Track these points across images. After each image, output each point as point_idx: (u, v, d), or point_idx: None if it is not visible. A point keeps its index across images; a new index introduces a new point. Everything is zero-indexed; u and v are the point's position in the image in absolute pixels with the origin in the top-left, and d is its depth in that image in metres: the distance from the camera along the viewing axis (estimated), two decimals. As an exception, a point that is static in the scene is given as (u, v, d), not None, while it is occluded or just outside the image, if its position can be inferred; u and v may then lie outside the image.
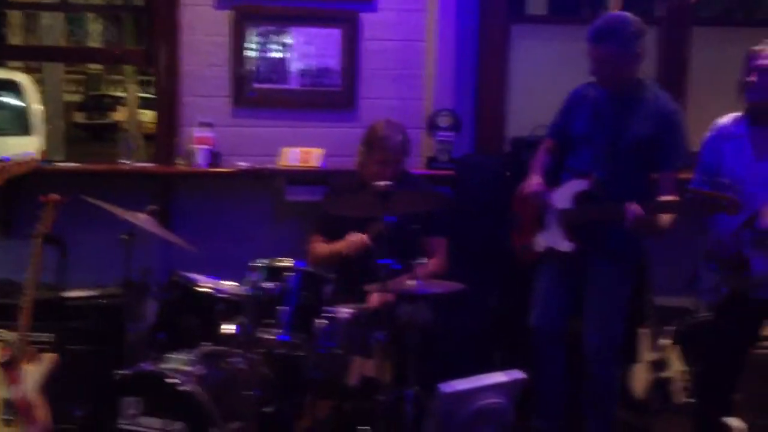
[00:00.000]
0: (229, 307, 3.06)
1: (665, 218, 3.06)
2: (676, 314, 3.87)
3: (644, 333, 3.84)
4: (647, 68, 4.22)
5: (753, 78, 2.89)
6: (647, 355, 3.82)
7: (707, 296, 3.11)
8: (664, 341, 3.80)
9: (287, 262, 2.98)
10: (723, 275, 2.98)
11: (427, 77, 4.19)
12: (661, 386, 3.77)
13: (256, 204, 4.22)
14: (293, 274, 2.93)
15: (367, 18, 4.14)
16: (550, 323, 3.39)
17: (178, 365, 2.89)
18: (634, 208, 2.95)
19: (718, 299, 3.03)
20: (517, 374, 3.31)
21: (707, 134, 3.13)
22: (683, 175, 3.17)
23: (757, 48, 2.91)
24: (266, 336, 2.88)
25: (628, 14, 3.17)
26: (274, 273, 2.95)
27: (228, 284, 3.26)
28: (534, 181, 3.33)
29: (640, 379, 3.81)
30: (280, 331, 2.89)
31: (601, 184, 3.15)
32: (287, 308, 2.89)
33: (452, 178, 4.08)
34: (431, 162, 4.14)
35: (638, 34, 3.10)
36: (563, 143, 3.37)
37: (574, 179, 3.25)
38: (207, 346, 3.05)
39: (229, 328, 2.94)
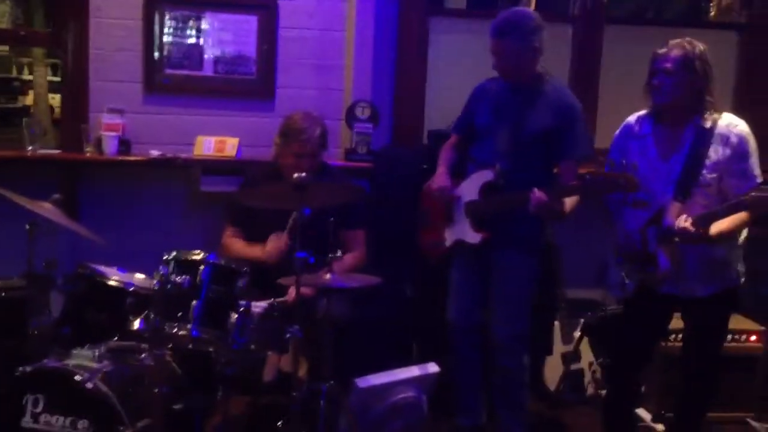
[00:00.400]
0: (139, 301, 2.95)
1: (568, 203, 3.14)
2: (587, 307, 3.95)
3: (556, 326, 3.91)
4: (562, 64, 4.34)
5: (656, 81, 2.96)
6: (559, 347, 3.90)
7: (615, 291, 3.18)
8: (576, 334, 3.88)
9: (198, 255, 2.89)
10: (630, 271, 3.05)
11: (346, 68, 4.15)
12: (572, 378, 3.85)
13: (170, 194, 4.11)
14: (205, 267, 2.85)
15: (285, 5, 4.07)
16: (465, 317, 3.41)
17: (84, 361, 2.79)
18: (538, 193, 3.01)
19: (625, 294, 3.10)
20: (432, 367, 3.33)
21: (616, 133, 3.20)
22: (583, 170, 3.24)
23: (660, 51, 2.96)
24: (176, 331, 2.80)
25: (528, 9, 3.29)
26: (184, 266, 2.85)
27: (138, 277, 3.16)
28: (440, 177, 3.37)
29: (552, 371, 3.88)
30: (191, 326, 2.80)
31: (505, 175, 3.20)
32: (198, 302, 2.81)
33: (371, 170, 4.06)
34: (350, 154, 4.11)
35: (538, 29, 3.18)
36: (468, 138, 3.42)
37: (478, 171, 3.29)
38: (114, 342, 2.94)
39: (137, 323, 2.85)
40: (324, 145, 3.53)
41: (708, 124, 2.94)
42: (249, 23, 4.05)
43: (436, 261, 3.51)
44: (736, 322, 3.92)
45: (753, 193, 2.74)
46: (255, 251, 3.44)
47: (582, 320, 3.89)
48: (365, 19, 4.06)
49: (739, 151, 2.93)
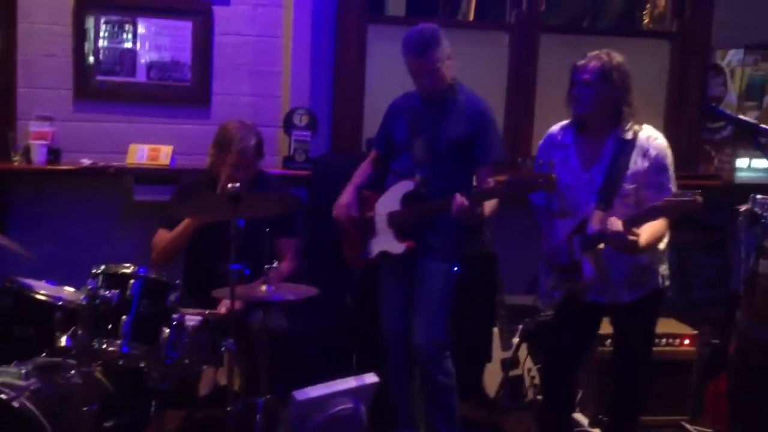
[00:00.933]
0: (67, 316, 2.87)
1: (487, 208, 3.18)
2: (526, 313, 3.97)
3: (495, 332, 3.93)
4: (499, 71, 4.37)
5: (576, 92, 3.02)
6: (499, 354, 3.91)
7: (545, 300, 3.24)
8: (515, 340, 3.90)
9: (128, 269, 2.82)
10: (557, 280, 3.10)
11: (284, 74, 4.11)
12: (512, 384, 3.87)
13: (102, 204, 4.01)
14: (135, 281, 2.78)
15: (220, 11, 4.00)
16: (398, 326, 3.42)
17: (10, 379, 2.70)
18: (459, 199, 3.04)
19: (553, 303, 3.15)
20: (371, 378, 3.31)
21: (541, 142, 3.26)
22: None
23: (579, 62, 3.03)
24: (105, 347, 2.72)
25: (431, 24, 3.29)
26: (114, 280, 2.79)
27: (68, 291, 3.07)
28: (346, 194, 3.43)
29: (492, 377, 3.89)
30: (121, 341, 2.73)
31: (426, 183, 3.25)
32: (128, 318, 2.74)
33: (309, 178, 4.03)
34: (288, 161, 4.06)
35: (444, 38, 3.24)
36: (388, 153, 3.47)
37: (399, 182, 3.33)
38: (42, 359, 2.86)
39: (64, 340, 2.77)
40: (260, 155, 3.49)
41: (629, 136, 3.01)
42: (184, 29, 3.98)
43: (364, 270, 3.55)
44: (670, 326, 4.00)
45: (667, 198, 2.82)
46: (180, 226, 3.34)
47: (521, 326, 3.92)
48: (303, 26, 4.02)
49: (657, 164, 3.01)
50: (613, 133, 3.02)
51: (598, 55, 3.00)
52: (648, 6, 5.19)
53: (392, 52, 3.42)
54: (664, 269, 3.16)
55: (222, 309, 3.13)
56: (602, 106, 3.01)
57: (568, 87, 3.06)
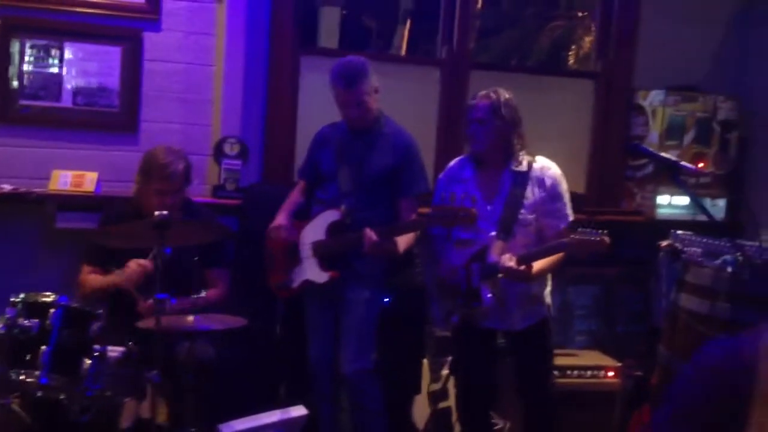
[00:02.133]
0: (-15, 347, 2.76)
1: (402, 242, 3.27)
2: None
3: (425, 364, 3.92)
4: (430, 106, 4.43)
5: (470, 131, 3.18)
6: (427, 386, 3.90)
7: (440, 324, 3.33)
8: (443, 372, 3.90)
9: (49, 297, 2.73)
10: (454, 305, 3.18)
11: (215, 102, 4.07)
12: (440, 417, 3.86)
13: (22, 231, 3.87)
14: (56, 310, 2.69)
15: (150, 37, 3.95)
16: (324, 356, 3.42)
17: None
18: (369, 234, 3.12)
19: (449, 327, 3.24)
20: (299, 410, 3.27)
21: (440, 175, 3.40)
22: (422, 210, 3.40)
23: (470, 102, 3.22)
24: (23, 378, 2.62)
25: (359, 57, 3.40)
26: (33, 309, 2.69)
27: (-16, 320, 2.95)
28: (280, 218, 3.45)
29: (420, 410, 3.88)
30: (40, 372, 2.63)
31: (351, 214, 3.30)
32: (48, 348, 2.65)
33: (240, 207, 3.98)
34: (217, 190, 4.01)
35: (372, 72, 3.33)
36: (314, 182, 3.52)
37: (325, 211, 3.37)
38: (-44, 391, 2.73)
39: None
40: (188, 180, 3.44)
41: (523, 167, 3.17)
42: (112, 54, 3.91)
43: (286, 300, 3.58)
44: (594, 358, 4.07)
45: (572, 236, 2.96)
46: (110, 278, 3.29)
47: (449, 358, 3.92)
48: (235, 54, 4.00)
49: (553, 193, 3.17)
50: (507, 165, 3.18)
51: (487, 94, 3.17)
52: (573, 47, 5.35)
53: (325, 83, 3.44)
54: (549, 299, 3.30)
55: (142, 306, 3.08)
56: (496, 142, 3.17)
57: (464, 126, 3.23)
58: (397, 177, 3.33)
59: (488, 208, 3.15)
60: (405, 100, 4.30)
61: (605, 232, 2.92)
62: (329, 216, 3.34)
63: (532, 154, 3.22)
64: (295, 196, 3.55)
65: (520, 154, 3.18)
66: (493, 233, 3.11)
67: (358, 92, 3.25)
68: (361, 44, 5.08)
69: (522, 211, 3.12)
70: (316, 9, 4.65)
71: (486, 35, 5.53)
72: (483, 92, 3.19)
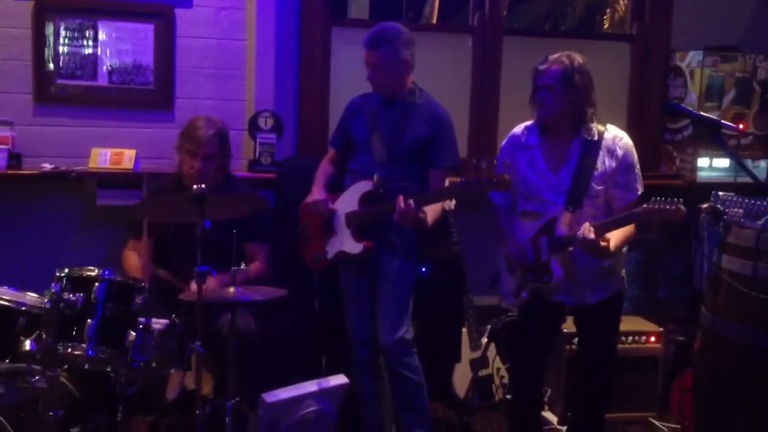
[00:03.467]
0: (31, 321, 2.81)
1: (431, 212, 3.21)
2: (494, 313, 3.98)
3: (464, 333, 3.93)
4: (463, 74, 4.39)
5: (539, 96, 3.03)
6: (467, 354, 3.92)
7: (509, 299, 3.26)
8: (483, 340, 3.91)
9: (93, 272, 2.77)
10: (524, 281, 3.11)
11: (248, 77, 4.08)
12: (481, 384, 3.88)
13: (64, 209, 3.94)
14: (100, 284, 2.74)
15: (182, 14, 3.96)
16: (362, 328, 3.43)
17: (-27, 386, 2.64)
18: (400, 200, 3.07)
19: (519, 303, 3.17)
20: (340, 379, 3.30)
21: (503, 143, 3.27)
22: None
23: (540, 67, 3.03)
24: (70, 351, 2.68)
25: (400, 24, 3.36)
26: (78, 283, 2.74)
27: (31, 296, 3.00)
28: (315, 192, 3.44)
29: (461, 378, 3.90)
30: (86, 345, 2.68)
31: (384, 184, 3.27)
32: (93, 321, 2.70)
33: (275, 181, 4.00)
34: (253, 165, 4.03)
35: (409, 43, 3.29)
36: (345, 152, 3.50)
37: (358, 181, 3.35)
38: (5, 364, 2.79)
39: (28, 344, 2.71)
40: (224, 151, 3.47)
41: (594, 137, 3.04)
42: (145, 32, 3.93)
43: (322, 273, 3.60)
44: (636, 324, 4.04)
45: (647, 204, 2.85)
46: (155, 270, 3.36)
47: (489, 327, 3.93)
48: (266, 29, 4.00)
49: (624, 164, 3.05)
50: (578, 134, 3.05)
51: (559, 59, 3.00)
52: (608, 10, 5.27)
53: (356, 54, 3.43)
54: (623, 270, 3.21)
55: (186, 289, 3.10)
56: (566, 109, 3.02)
57: (531, 91, 3.07)
58: (428, 148, 3.31)
59: (553, 178, 3.05)
60: (438, 69, 4.26)
61: (680, 200, 2.83)
62: (362, 186, 3.33)
63: (603, 123, 3.08)
64: (325, 167, 3.55)
65: (592, 123, 3.04)
66: (560, 205, 3.01)
67: (377, 56, 3.23)
68: (391, 15, 5.06)
69: (592, 182, 3.00)
70: (346, -20, 4.64)
71: (518, 2, 5.47)
72: (555, 56, 3.01)
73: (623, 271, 3.21)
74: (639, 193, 3.07)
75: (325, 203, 3.39)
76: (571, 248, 2.98)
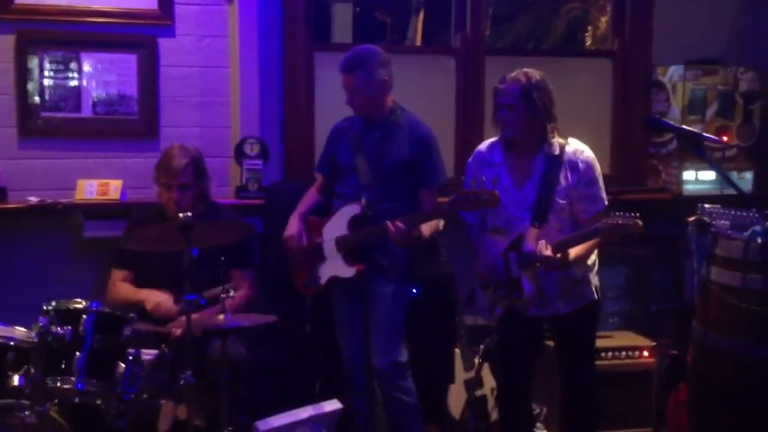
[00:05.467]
0: (20, 356, 2.78)
1: (426, 229, 3.24)
2: (486, 333, 3.97)
3: (457, 353, 3.92)
4: (447, 95, 4.41)
5: (500, 117, 3.08)
6: (461, 375, 3.90)
7: (484, 315, 3.29)
8: (476, 360, 3.90)
9: (80, 304, 2.75)
10: (495, 296, 3.13)
11: (233, 104, 4.09)
12: (476, 405, 3.86)
13: (51, 242, 3.91)
14: (87, 316, 2.72)
15: (165, 43, 3.97)
16: (355, 351, 3.43)
17: (-39, 423, 2.61)
18: (394, 224, 3.09)
19: (493, 318, 3.20)
20: (334, 404, 3.28)
21: (469, 160, 3.32)
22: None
23: (500, 86, 3.08)
24: (59, 385, 2.65)
25: (373, 46, 3.40)
26: (66, 316, 2.72)
27: (19, 331, 2.98)
28: (292, 224, 3.46)
29: (456, 399, 3.87)
30: (75, 378, 2.66)
31: (371, 206, 3.28)
32: (82, 354, 2.67)
33: (263, 206, 4.00)
34: (240, 191, 4.03)
35: (384, 63, 3.31)
36: (332, 176, 3.51)
37: (345, 205, 3.36)
38: (-6, 400, 2.76)
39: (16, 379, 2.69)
40: (201, 178, 3.48)
41: (556, 151, 3.08)
42: (129, 62, 3.93)
43: (313, 298, 3.56)
44: (628, 339, 4.04)
45: (605, 220, 2.90)
46: (140, 295, 3.34)
47: (481, 346, 3.91)
48: (249, 55, 4.01)
49: (587, 177, 3.09)
50: (540, 149, 3.09)
51: (516, 77, 3.05)
52: (590, 28, 5.32)
53: (340, 78, 3.44)
54: (596, 281, 3.23)
55: (177, 331, 3.07)
56: (528, 126, 3.07)
57: (493, 111, 3.12)
58: (415, 168, 3.32)
59: (518, 194, 3.09)
60: (422, 91, 4.29)
61: (637, 215, 2.86)
62: (350, 210, 3.33)
63: (564, 137, 3.12)
64: (311, 195, 3.57)
65: (553, 137, 3.09)
66: (526, 221, 3.05)
67: (354, 79, 3.26)
68: (375, 38, 5.09)
69: (556, 196, 3.04)
70: (328, 5, 4.67)
71: (500, 21, 5.51)
72: (512, 75, 3.06)
73: (595, 280, 3.23)
74: (605, 203, 3.12)
75: (299, 237, 3.41)
76: (538, 264, 3.00)
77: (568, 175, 3.06)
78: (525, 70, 3.07)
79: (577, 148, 3.11)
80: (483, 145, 3.28)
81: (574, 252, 2.98)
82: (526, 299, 3.07)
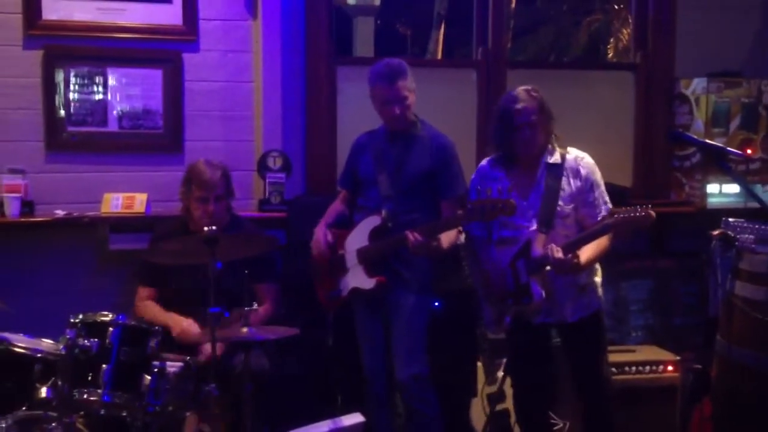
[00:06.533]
0: (47, 368, 2.83)
1: (446, 239, 3.25)
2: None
3: (479, 367, 3.91)
4: (468, 108, 4.42)
5: (525, 135, 3.08)
6: (484, 388, 3.89)
7: (491, 327, 3.29)
8: (499, 374, 3.88)
9: (107, 317, 2.79)
10: (503, 306, 3.14)
11: (256, 118, 4.12)
12: (498, 419, 3.84)
13: (77, 255, 3.96)
14: (114, 328, 2.75)
15: (190, 58, 4.02)
16: (376, 363, 3.44)
17: (-10, 435, 2.65)
18: (413, 234, 3.11)
19: (502, 329, 3.21)
20: (356, 418, 3.27)
21: (473, 176, 3.36)
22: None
23: (517, 106, 3.08)
24: (86, 397, 2.68)
25: (396, 58, 3.41)
26: (92, 329, 2.75)
27: (46, 343, 3.03)
28: (317, 233, 3.46)
29: (478, 413, 3.86)
30: (102, 391, 2.69)
31: (392, 217, 3.29)
32: (108, 366, 2.70)
33: (285, 219, 4.02)
34: (263, 204, 4.06)
35: (410, 74, 3.33)
36: (355, 190, 3.53)
37: (366, 217, 3.38)
38: (22, 412, 2.80)
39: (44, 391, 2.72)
40: (229, 191, 3.51)
41: (558, 160, 3.14)
42: (154, 77, 3.99)
43: (341, 310, 3.55)
44: (652, 353, 4.01)
45: (616, 215, 2.93)
46: (167, 320, 3.34)
47: (504, 360, 3.90)
48: (272, 69, 4.05)
49: (590, 182, 3.14)
50: (542, 159, 3.15)
51: (529, 95, 3.11)
52: (612, 40, 5.31)
53: (363, 92, 3.47)
54: (600, 291, 3.25)
55: (202, 357, 3.09)
56: (545, 140, 3.14)
57: (505, 132, 3.11)
58: (436, 180, 3.34)
59: (524, 203, 3.13)
60: (443, 104, 4.30)
61: (648, 206, 2.88)
62: (371, 222, 3.35)
63: (563, 146, 3.19)
64: (336, 206, 3.58)
65: (554, 147, 3.16)
66: (534, 227, 3.08)
67: (397, 88, 3.26)
68: (396, 51, 5.12)
69: (560, 203, 3.10)
70: (350, 19, 4.70)
71: (522, 34, 5.52)
72: (522, 94, 3.10)
73: (600, 290, 3.25)
74: (609, 207, 3.15)
75: (326, 239, 3.41)
76: (548, 267, 3.02)
77: (571, 181, 3.12)
78: (524, 88, 3.13)
79: (577, 155, 3.18)
80: (484, 162, 3.34)
81: (585, 256, 3.00)
82: (535, 304, 3.09)
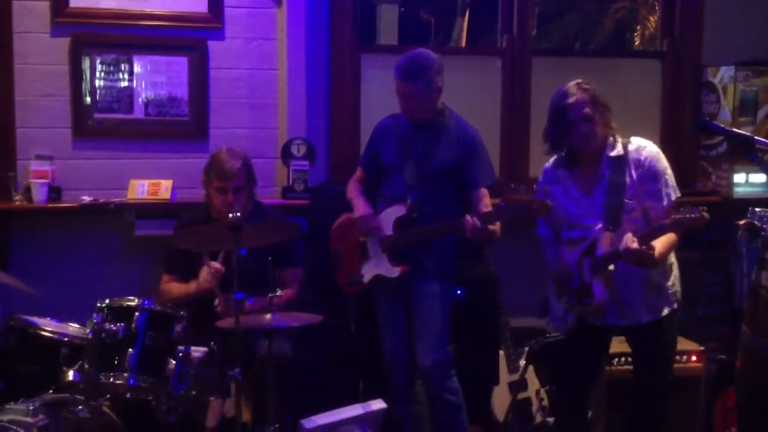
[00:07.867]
0: (74, 352, 2.87)
1: (496, 227, 3.24)
2: (531, 335, 3.96)
3: (501, 355, 3.91)
4: (492, 96, 4.40)
5: (584, 128, 2.99)
6: (506, 376, 3.89)
7: (557, 323, 3.24)
8: (521, 362, 3.89)
9: (133, 302, 2.82)
10: (568, 304, 3.10)
11: (280, 106, 4.14)
12: (520, 407, 3.85)
13: (103, 240, 4.01)
14: (140, 313, 2.78)
15: (215, 46, 4.04)
16: (399, 350, 3.44)
17: (18, 416, 2.70)
18: (472, 220, 3.08)
19: (566, 327, 3.15)
20: (379, 404, 3.30)
21: (540, 179, 3.29)
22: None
23: (568, 101, 2.99)
24: (112, 381, 2.72)
25: (430, 52, 3.34)
26: (119, 313, 2.79)
27: (73, 327, 3.07)
28: (360, 207, 3.42)
29: (500, 400, 3.87)
30: (128, 374, 2.73)
31: (417, 207, 3.28)
32: (134, 350, 2.74)
33: (308, 207, 4.04)
34: (287, 192, 4.08)
35: (440, 70, 3.29)
36: (374, 173, 3.51)
37: (390, 206, 3.36)
38: (49, 395, 2.85)
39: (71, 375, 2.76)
40: (250, 180, 3.52)
41: (620, 152, 3.04)
42: (179, 65, 4.02)
43: (357, 297, 3.58)
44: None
45: (673, 216, 2.84)
46: (190, 286, 3.40)
47: (527, 348, 3.90)
48: (296, 57, 4.06)
49: (651, 172, 3.03)
50: (604, 153, 3.06)
51: (580, 88, 3.02)
52: (638, 27, 5.26)
53: (386, 80, 3.46)
54: (675, 287, 3.16)
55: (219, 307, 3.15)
56: (605, 133, 3.04)
57: (561, 128, 3.03)
58: (463, 170, 3.32)
59: (590, 201, 3.06)
60: (468, 92, 4.28)
61: (704, 208, 2.82)
62: (395, 211, 3.34)
63: (626, 136, 3.08)
64: (356, 185, 3.55)
65: (615, 139, 3.05)
66: (600, 225, 3.01)
67: (412, 87, 3.24)
68: (420, 39, 5.10)
69: (626, 197, 3.00)
70: (374, 7, 4.69)
71: (546, 21, 5.48)
72: (572, 89, 3.01)
73: (677, 286, 3.16)
74: (673, 198, 3.04)
75: (372, 216, 3.37)
76: (611, 266, 2.96)
77: (633, 173, 3.02)
78: (573, 82, 3.04)
79: (639, 144, 3.07)
80: (548, 164, 3.25)
81: (659, 249, 2.89)
82: (596, 304, 3.01)
